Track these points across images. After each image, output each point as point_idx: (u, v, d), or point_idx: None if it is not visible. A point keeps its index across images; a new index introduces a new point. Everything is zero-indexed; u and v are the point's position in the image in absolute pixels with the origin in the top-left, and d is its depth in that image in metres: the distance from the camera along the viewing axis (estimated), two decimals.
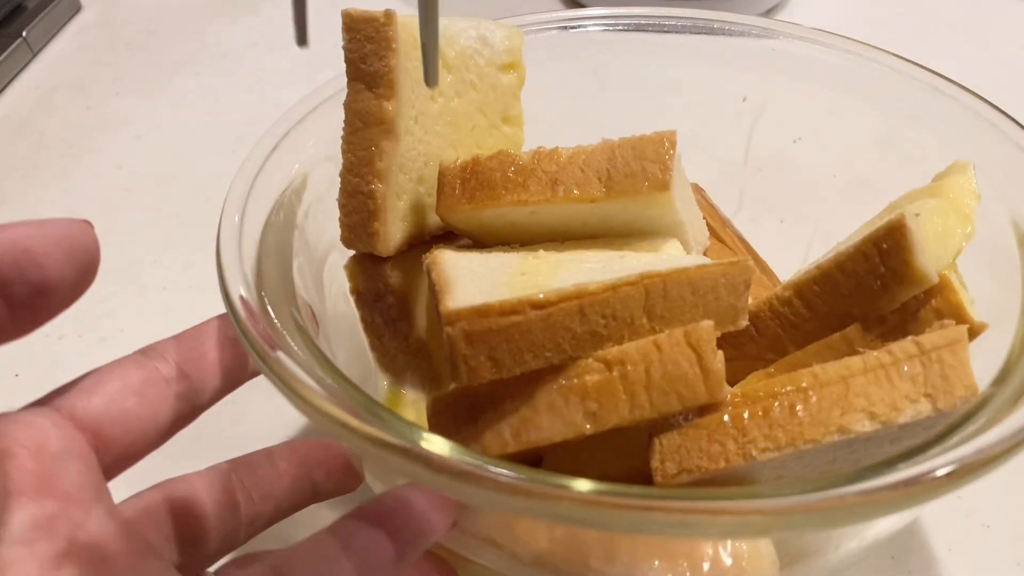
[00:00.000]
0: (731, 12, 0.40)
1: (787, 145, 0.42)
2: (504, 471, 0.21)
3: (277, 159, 0.32)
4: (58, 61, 0.71)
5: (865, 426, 0.24)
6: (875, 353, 0.25)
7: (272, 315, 0.26)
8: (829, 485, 0.21)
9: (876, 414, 0.24)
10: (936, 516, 0.38)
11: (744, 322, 0.27)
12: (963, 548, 0.37)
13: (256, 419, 0.42)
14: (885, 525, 0.29)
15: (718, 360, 0.25)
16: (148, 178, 0.59)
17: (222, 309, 0.27)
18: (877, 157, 0.40)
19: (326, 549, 0.24)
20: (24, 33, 0.69)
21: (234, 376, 0.29)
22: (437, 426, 0.27)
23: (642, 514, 0.20)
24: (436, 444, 0.22)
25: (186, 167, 0.59)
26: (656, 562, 0.27)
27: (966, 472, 0.21)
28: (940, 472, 0.21)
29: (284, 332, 0.26)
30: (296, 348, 0.25)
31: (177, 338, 0.28)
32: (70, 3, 0.76)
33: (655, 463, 0.25)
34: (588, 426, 0.25)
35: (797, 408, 0.24)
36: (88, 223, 0.24)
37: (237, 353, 0.28)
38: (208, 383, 0.28)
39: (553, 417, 0.25)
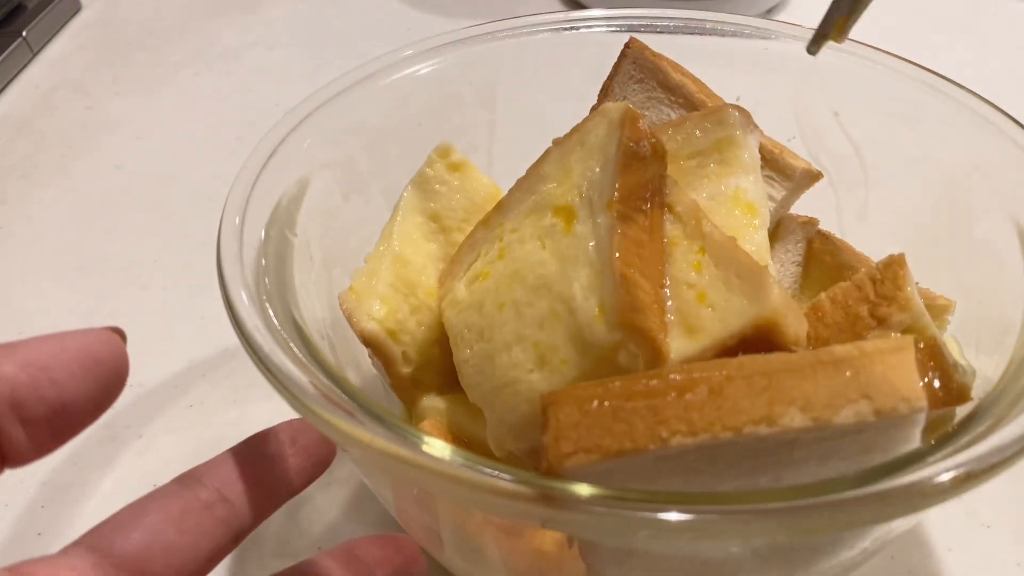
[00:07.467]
0: (730, 13, 0.40)
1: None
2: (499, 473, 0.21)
3: (277, 161, 0.32)
4: (58, 61, 0.71)
5: (796, 420, 0.21)
6: (812, 351, 0.23)
7: (276, 323, 0.26)
8: (834, 489, 0.21)
9: (810, 408, 0.21)
10: (936, 516, 0.38)
11: None
12: (963, 548, 0.37)
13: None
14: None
15: None
16: (148, 178, 0.59)
17: (222, 309, 0.27)
18: (875, 157, 0.40)
19: None
20: (24, 33, 0.69)
21: (276, 494, 0.28)
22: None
23: (648, 519, 0.20)
24: (436, 447, 0.22)
25: (186, 167, 0.59)
26: None
27: (970, 479, 0.21)
28: (943, 478, 0.21)
29: (286, 337, 0.26)
30: (297, 352, 0.25)
31: (214, 462, 0.27)
32: (70, 3, 0.76)
33: (547, 439, 0.22)
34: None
35: (720, 392, 0.22)
36: (116, 332, 0.23)
37: (277, 471, 0.28)
38: (250, 504, 0.27)
39: None
